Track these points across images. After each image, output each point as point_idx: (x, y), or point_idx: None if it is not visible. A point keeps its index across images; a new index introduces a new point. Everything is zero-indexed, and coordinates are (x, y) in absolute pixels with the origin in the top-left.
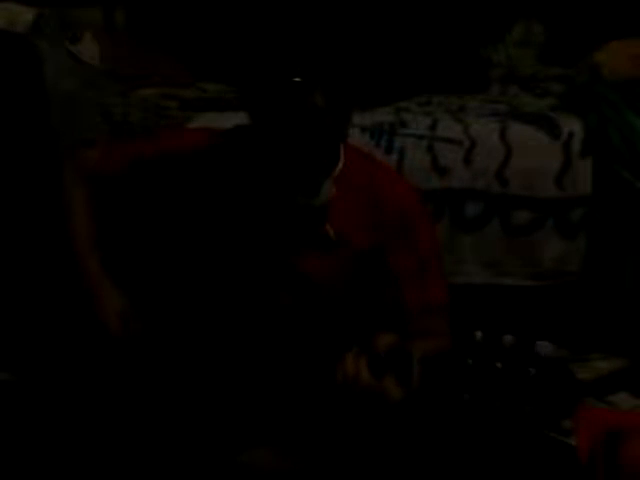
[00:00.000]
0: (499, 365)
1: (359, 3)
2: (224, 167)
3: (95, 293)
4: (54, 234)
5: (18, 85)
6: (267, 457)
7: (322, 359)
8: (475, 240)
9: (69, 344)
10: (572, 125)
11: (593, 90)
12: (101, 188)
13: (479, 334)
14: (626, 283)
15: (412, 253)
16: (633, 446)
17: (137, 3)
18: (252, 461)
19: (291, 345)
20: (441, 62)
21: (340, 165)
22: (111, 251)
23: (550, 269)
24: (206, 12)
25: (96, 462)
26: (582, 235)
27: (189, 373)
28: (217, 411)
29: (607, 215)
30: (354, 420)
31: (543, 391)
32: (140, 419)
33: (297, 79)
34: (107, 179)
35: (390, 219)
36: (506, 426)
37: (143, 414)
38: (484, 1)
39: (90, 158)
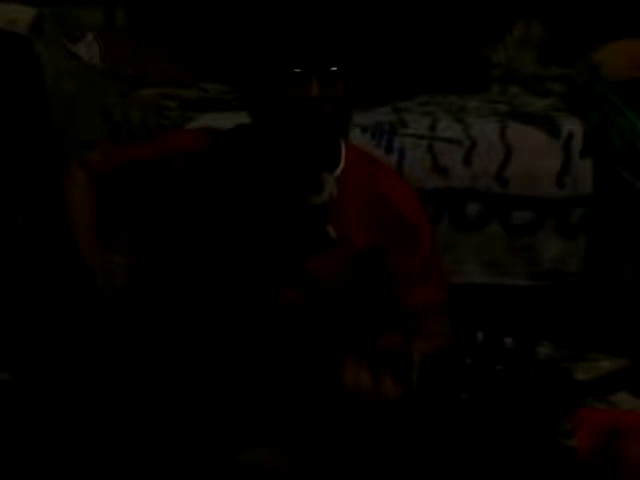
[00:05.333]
0: (499, 366)
1: (359, 3)
2: (226, 167)
3: (99, 272)
4: (55, 234)
5: (18, 85)
6: (267, 457)
7: (323, 359)
8: (475, 240)
9: (69, 343)
10: (572, 125)
11: (593, 90)
12: (102, 189)
13: (480, 335)
14: (626, 283)
15: (412, 254)
16: (633, 446)
17: (137, 3)
18: (252, 461)
19: (292, 344)
20: (441, 62)
21: (342, 164)
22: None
23: (550, 269)
24: (206, 12)
25: (96, 462)
26: (582, 235)
27: (190, 373)
28: (218, 410)
29: (607, 215)
30: (353, 419)
31: (542, 393)
32: (140, 419)
33: (295, 70)
34: (108, 180)
35: (390, 220)
36: (505, 427)
37: (143, 414)
38: (484, 1)
39: (91, 160)
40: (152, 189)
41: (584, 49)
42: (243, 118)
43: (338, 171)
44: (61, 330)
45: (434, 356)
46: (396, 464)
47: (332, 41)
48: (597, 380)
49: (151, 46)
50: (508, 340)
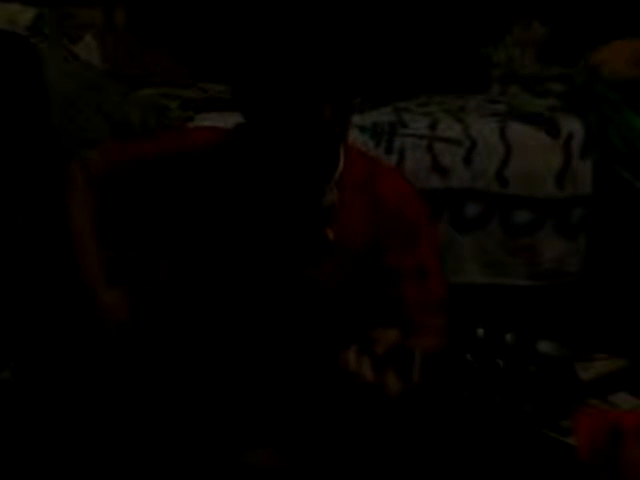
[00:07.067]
0: (500, 363)
1: (359, 4)
2: (227, 170)
3: (93, 290)
4: (54, 234)
5: (18, 85)
6: (267, 457)
7: (323, 359)
8: (475, 240)
9: (69, 344)
10: (572, 125)
11: (593, 90)
12: (103, 190)
13: (481, 331)
14: (626, 283)
15: (412, 252)
16: (633, 446)
17: (137, 3)
18: (253, 461)
19: (292, 344)
20: (441, 62)
21: (341, 167)
22: (114, 252)
23: (550, 269)
24: (206, 12)
25: (96, 462)
26: (582, 235)
27: (191, 373)
28: (219, 411)
29: (607, 215)
30: (354, 417)
31: (543, 389)
32: (141, 419)
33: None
34: (109, 181)
35: (390, 218)
36: (505, 424)
37: (144, 414)
38: (484, 1)
39: (92, 160)
40: (153, 189)
41: (584, 49)
42: (243, 118)
43: (337, 174)
44: (61, 330)
45: (435, 353)
46: (397, 461)
47: (338, 52)
48: (597, 380)
49: (151, 46)
50: (509, 336)
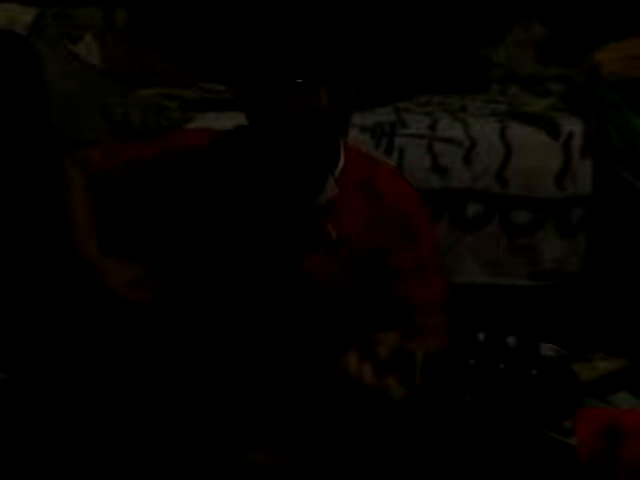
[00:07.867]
0: (502, 366)
1: (360, 3)
2: (226, 168)
3: (99, 271)
4: (54, 233)
5: (18, 85)
6: (267, 457)
7: (323, 358)
8: (475, 240)
9: (68, 343)
10: (572, 125)
11: (593, 90)
12: (102, 189)
13: (482, 335)
14: (626, 283)
15: (411, 252)
16: (633, 446)
17: (137, 3)
18: (253, 461)
19: (292, 344)
20: (441, 62)
21: (341, 164)
22: (112, 253)
23: (550, 269)
24: (206, 12)
25: (96, 462)
26: (582, 235)
27: (191, 373)
28: (218, 411)
29: (607, 215)
30: (354, 419)
31: (545, 392)
32: (141, 419)
33: (301, 79)
34: (108, 180)
35: (390, 218)
36: (507, 426)
37: (144, 414)
38: (484, 1)
39: (91, 158)
40: (153, 188)
41: (584, 49)
42: (243, 118)
43: (337, 171)
44: (60, 330)
45: (437, 357)
46: (399, 464)
47: (336, 48)
48: (597, 380)
49: (151, 46)
50: (510, 339)
